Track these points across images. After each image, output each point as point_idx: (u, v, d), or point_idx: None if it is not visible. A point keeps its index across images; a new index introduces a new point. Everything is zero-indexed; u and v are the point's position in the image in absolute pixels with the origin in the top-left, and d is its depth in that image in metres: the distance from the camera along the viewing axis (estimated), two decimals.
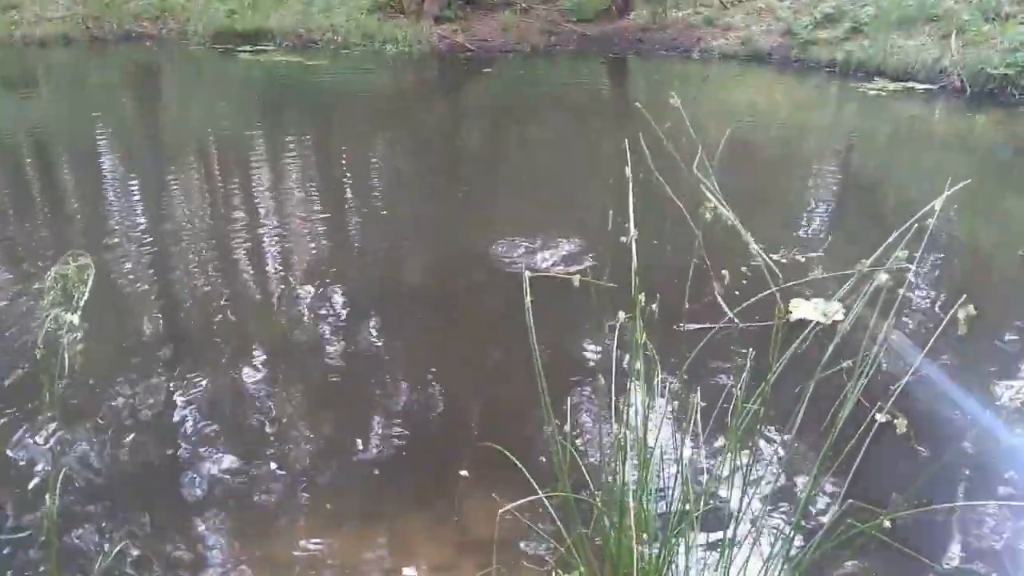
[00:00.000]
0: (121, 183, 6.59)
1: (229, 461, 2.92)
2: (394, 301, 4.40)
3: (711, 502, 2.06)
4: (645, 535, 1.93)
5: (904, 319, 3.91)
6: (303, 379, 3.53)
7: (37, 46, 13.42)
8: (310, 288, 4.44)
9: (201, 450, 2.98)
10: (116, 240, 5.04)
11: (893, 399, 1.63)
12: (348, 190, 6.58)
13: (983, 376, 3.50)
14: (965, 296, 1.52)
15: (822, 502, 2.58)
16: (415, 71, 12.81)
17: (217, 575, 2.38)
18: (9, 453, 2.90)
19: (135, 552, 2.44)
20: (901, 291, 1.70)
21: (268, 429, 3.12)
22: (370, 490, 2.81)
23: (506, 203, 6.26)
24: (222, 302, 4.24)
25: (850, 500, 1.73)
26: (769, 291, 1.71)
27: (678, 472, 1.97)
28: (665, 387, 2.07)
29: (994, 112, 9.24)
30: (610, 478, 2.02)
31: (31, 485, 2.74)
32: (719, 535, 2.18)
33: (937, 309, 4.12)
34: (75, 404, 3.20)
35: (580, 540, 1.99)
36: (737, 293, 1.82)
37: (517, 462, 2.01)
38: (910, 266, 1.65)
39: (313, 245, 5.12)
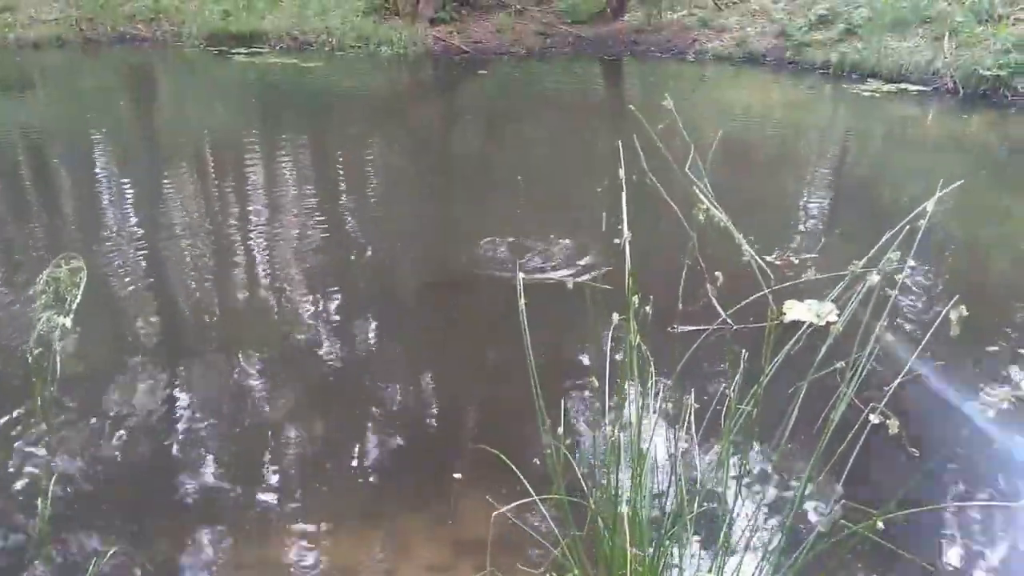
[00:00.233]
0: (114, 185, 6.58)
1: (224, 463, 2.91)
2: (389, 303, 4.40)
3: (705, 504, 2.06)
4: (639, 537, 1.93)
5: (897, 320, 3.92)
6: (298, 382, 3.53)
7: (31, 48, 13.38)
8: (305, 290, 4.44)
9: (195, 452, 2.97)
10: (109, 242, 5.02)
11: (886, 400, 1.63)
12: (343, 192, 6.58)
13: (975, 376, 3.52)
14: (957, 297, 1.52)
15: (815, 503, 2.59)
16: (410, 73, 12.81)
17: None
18: (1, 456, 2.89)
19: (128, 556, 2.43)
20: (895, 292, 1.70)
21: (263, 431, 3.11)
22: (366, 492, 2.80)
23: (502, 205, 6.25)
24: (216, 304, 4.23)
25: (843, 501, 1.74)
26: (762, 293, 1.72)
27: (672, 474, 1.97)
28: (659, 389, 2.07)
29: (987, 113, 9.28)
30: (604, 480, 2.02)
31: (23, 489, 2.73)
32: (713, 537, 2.18)
33: (930, 310, 4.13)
34: (67, 407, 3.19)
35: (574, 542, 1.99)
36: (731, 295, 1.82)
37: (512, 465, 2.01)
38: (903, 267, 1.66)
39: (308, 247, 5.11)
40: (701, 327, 2.21)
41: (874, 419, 1.63)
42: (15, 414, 3.14)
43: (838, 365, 1.71)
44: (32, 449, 2.94)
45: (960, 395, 3.35)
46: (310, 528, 2.58)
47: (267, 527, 2.59)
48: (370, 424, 3.20)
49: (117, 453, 2.96)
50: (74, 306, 1.83)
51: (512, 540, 2.44)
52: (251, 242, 5.16)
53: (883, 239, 1.69)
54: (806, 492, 1.82)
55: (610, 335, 1.95)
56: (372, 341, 3.94)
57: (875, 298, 1.64)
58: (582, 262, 4.68)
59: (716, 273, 1.79)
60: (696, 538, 2.18)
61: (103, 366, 3.55)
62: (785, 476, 2.77)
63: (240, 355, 3.70)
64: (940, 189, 1.70)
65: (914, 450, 1.61)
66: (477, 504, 2.49)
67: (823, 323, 3.20)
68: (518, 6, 14.72)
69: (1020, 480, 2.91)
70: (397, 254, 5.12)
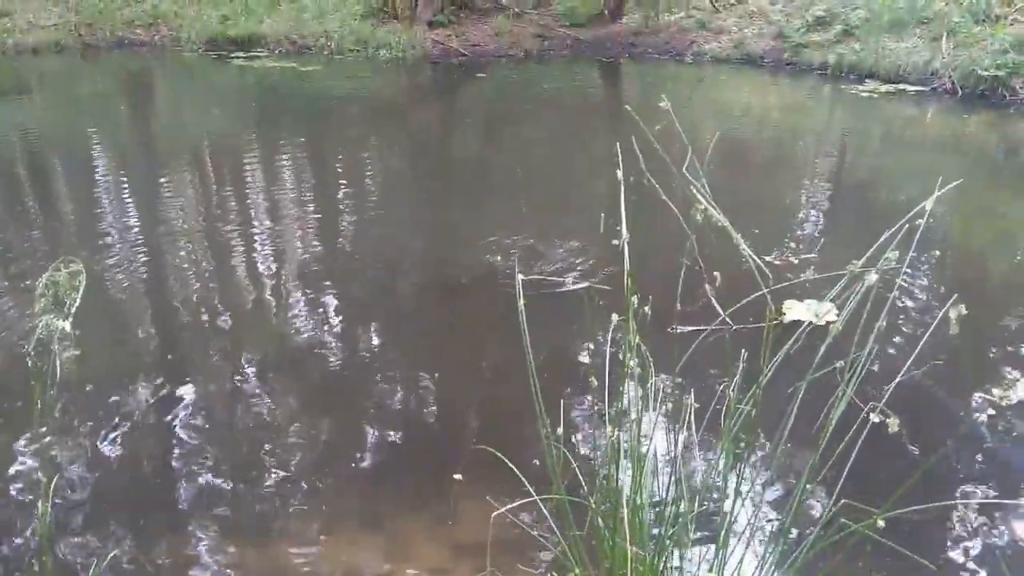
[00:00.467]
0: (113, 189, 6.58)
1: (224, 466, 2.91)
2: (389, 305, 4.40)
3: (705, 503, 2.06)
4: (640, 536, 1.93)
5: (896, 319, 3.92)
6: (298, 383, 3.53)
7: (30, 54, 13.39)
8: (305, 293, 4.44)
9: (196, 455, 2.97)
10: (108, 246, 5.02)
11: (885, 399, 1.63)
12: (343, 196, 6.58)
13: (975, 374, 3.52)
14: (956, 296, 1.52)
15: (815, 502, 2.59)
16: (409, 76, 12.82)
17: None
18: (1, 461, 2.89)
19: (129, 558, 2.43)
20: (894, 292, 1.70)
21: (263, 433, 3.12)
22: (366, 493, 2.81)
23: (501, 207, 6.26)
24: (216, 307, 4.23)
25: (843, 500, 1.74)
26: (761, 292, 1.72)
27: (672, 473, 1.97)
28: (659, 389, 2.07)
29: (985, 113, 9.29)
30: (604, 480, 2.03)
31: (24, 492, 2.73)
32: (713, 536, 2.18)
33: (928, 309, 4.13)
34: (67, 410, 3.19)
35: (575, 542, 1.99)
36: (730, 295, 1.82)
37: (511, 465, 2.01)
38: (901, 266, 1.66)
39: (307, 250, 5.12)
40: (700, 327, 2.21)
41: (874, 418, 1.63)
42: (16, 417, 3.14)
43: (837, 364, 1.71)
44: (33, 452, 2.94)
45: (960, 393, 3.35)
46: (311, 529, 2.58)
47: (268, 528, 2.59)
48: (370, 425, 3.20)
49: (117, 455, 2.97)
50: (73, 309, 1.82)
51: (512, 540, 2.44)
52: (250, 245, 5.16)
53: (882, 239, 1.69)
54: (806, 491, 1.82)
55: (609, 335, 1.95)
56: (372, 342, 3.95)
57: (873, 297, 1.64)
58: (582, 263, 4.69)
59: (715, 273, 1.79)
60: (696, 537, 2.18)
61: (103, 369, 3.55)
62: (785, 475, 2.77)
63: (240, 357, 3.70)
64: (938, 189, 1.71)
65: (914, 448, 1.61)
66: (477, 504, 2.49)
67: (822, 323, 3.21)
68: (516, 9, 14.74)
69: (1021, 478, 2.91)
70: (397, 256, 5.13)
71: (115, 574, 2.37)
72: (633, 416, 1.92)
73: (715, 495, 2.26)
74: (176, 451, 3.01)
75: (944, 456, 2.90)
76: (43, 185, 6.80)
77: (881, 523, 1.61)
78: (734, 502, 1.88)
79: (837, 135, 8.93)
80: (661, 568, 1.96)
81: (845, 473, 1.72)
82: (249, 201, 6.21)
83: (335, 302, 4.32)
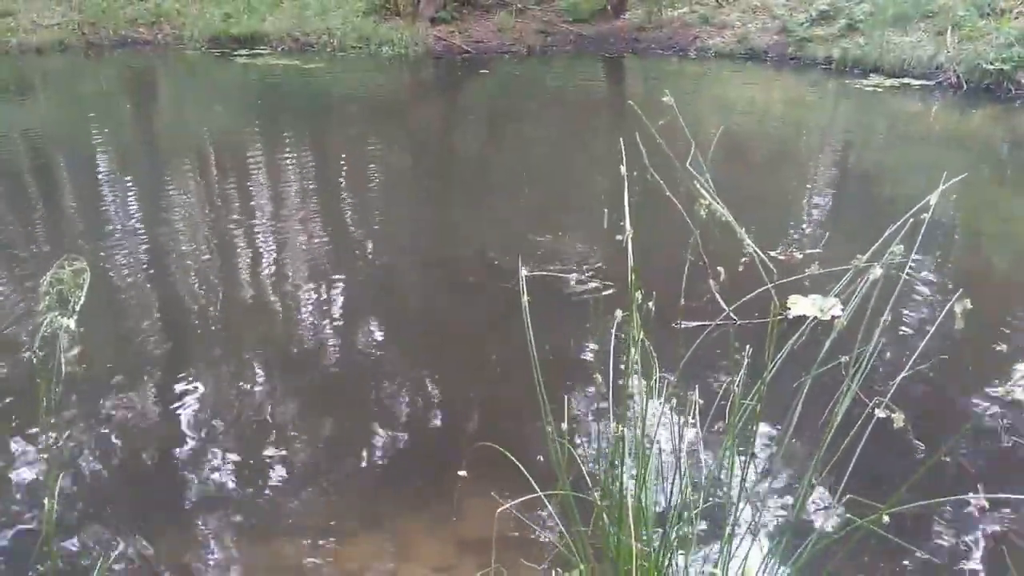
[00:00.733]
0: (117, 187, 6.59)
1: (228, 464, 2.92)
2: (392, 302, 4.40)
3: (710, 498, 2.06)
4: (644, 532, 1.93)
5: (901, 313, 3.91)
6: (302, 381, 3.53)
7: (33, 53, 13.41)
8: (307, 291, 4.44)
9: (199, 453, 2.98)
10: (112, 244, 5.03)
11: (891, 394, 1.63)
12: (345, 193, 6.58)
13: (980, 370, 3.51)
14: (962, 291, 1.52)
15: (820, 497, 2.58)
16: (412, 73, 12.81)
17: None
18: (7, 458, 2.90)
19: (133, 556, 2.44)
20: (899, 287, 1.70)
21: (267, 431, 3.12)
22: (370, 490, 2.81)
23: (504, 204, 6.26)
24: (220, 306, 4.24)
25: (848, 495, 1.73)
26: (765, 287, 1.72)
27: (676, 469, 1.97)
28: (663, 384, 2.07)
29: (990, 107, 9.26)
30: (609, 476, 2.02)
31: (29, 489, 2.74)
32: (718, 531, 2.18)
33: (933, 304, 4.12)
34: (72, 408, 3.20)
35: (579, 538, 1.99)
36: (735, 290, 1.82)
37: (516, 461, 2.01)
38: (905, 261, 1.66)
39: (310, 248, 5.12)
40: (705, 323, 2.21)
41: (880, 413, 1.63)
42: (21, 415, 3.15)
43: (842, 359, 1.71)
44: (38, 450, 2.95)
45: (965, 388, 3.34)
46: (315, 527, 2.58)
47: (272, 526, 2.60)
48: (374, 422, 3.21)
49: (122, 453, 2.97)
50: (78, 307, 1.83)
51: (517, 537, 2.44)
52: (254, 243, 5.16)
53: (886, 233, 1.69)
54: (811, 486, 1.82)
55: (614, 331, 1.95)
56: (375, 340, 3.95)
57: (878, 292, 1.64)
58: (585, 259, 4.68)
59: (719, 269, 1.79)
60: (701, 533, 2.18)
61: (107, 367, 3.55)
62: (790, 470, 2.77)
63: (243, 356, 3.71)
64: (943, 183, 1.70)
65: (919, 443, 1.60)
66: (482, 501, 2.49)
67: (827, 318, 3.20)
68: (519, 5, 14.71)
69: None
70: (400, 254, 5.13)
71: (119, 571, 2.38)
72: (638, 412, 1.91)
73: (720, 491, 2.26)
74: (180, 449, 3.01)
75: (949, 451, 2.89)
76: (47, 183, 6.81)
77: (886, 518, 1.60)
78: (739, 498, 1.88)
79: (841, 130, 8.90)
80: (666, 564, 1.96)
81: (850, 468, 1.71)
82: (252, 199, 6.21)
83: (338, 300, 4.32)
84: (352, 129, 8.97)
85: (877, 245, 1.66)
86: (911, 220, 1.67)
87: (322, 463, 2.95)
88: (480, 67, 12.68)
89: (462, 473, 2.78)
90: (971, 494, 1.52)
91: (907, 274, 4.07)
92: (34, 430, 3.04)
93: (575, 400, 3.23)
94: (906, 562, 2.36)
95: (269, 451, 2.99)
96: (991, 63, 9.61)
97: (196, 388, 3.42)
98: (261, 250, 5.07)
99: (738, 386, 1.82)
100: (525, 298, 1.86)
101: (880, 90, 10.09)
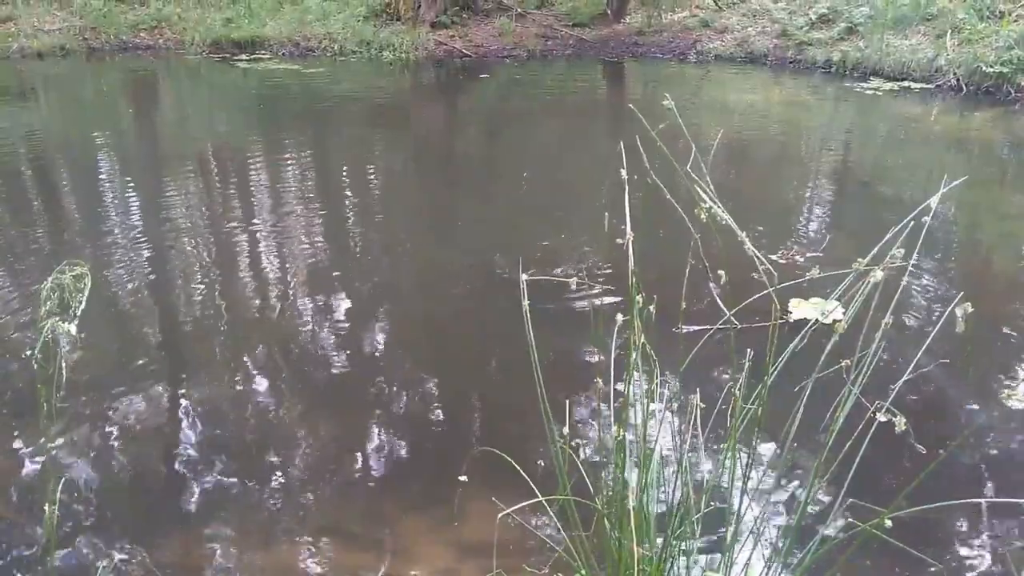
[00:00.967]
0: (118, 192, 6.60)
1: (228, 468, 2.91)
2: (393, 307, 4.40)
3: (712, 503, 2.05)
4: (646, 537, 1.93)
5: (902, 316, 3.91)
6: (303, 386, 3.53)
7: (35, 58, 13.43)
8: (309, 295, 4.45)
9: (200, 458, 2.98)
10: (113, 248, 5.03)
11: (892, 397, 1.62)
12: (346, 198, 6.59)
13: (981, 373, 3.50)
14: (962, 294, 1.52)
15: (822, 501, 2.58)
16: (412, 77, 12.83)
17: None
18: (7, 463, 2.90)
19: (134, 561, 2.44)
20: (900, 290, 1.70)
21: (267, 436, 3.12)
22: (371, 495, 2.80)
23: (505, 208, 6.26)
24: (221, 310, 4.24)
25: (850, 499, 1.73)
26: (766, 291, 1.71)
27: (678, 473, 1.97)
28: (664, 388, 2.07)
29: (990, 110, 9.26)
30: (610, 480, 2.02)
31: (29, 495, 2.74)
32: (720, 536, 2.17)
33: (935, 306, 4.11)
34: (73, 413, 3.20)
35: (580, 542, 1.98)
36: (736, 294, 1.82)
37: (516, 466, 2.01)
38: (907, 264, 1.65)
39: (311, 252, 5.12)
40: (706, 327, 2.21)
41: (881, 417, 1.62)
42: (22, 421, 3.15)
43: (843, 363, 1.70)
44: (39, 455, 2.95)
45: (967, 391, 3.33)
46: (316, 531, 2.58)
47: (273, 530, 2.59)
48: (375, 426, 3.20)
49: (123, 459, 2.97)
50: (78, 313, 1.83)
51: (518, 541, 2.44)
52: (255, 248, 5.17)
53: (887, 236, 1.68)
54: (813, 490, 1.81)
55: (614, 335, 1.95)
56: (376, 344, 3.95)
57: (879, 296, 1.64)
58: (587, 263, 4.68)
59: (720, 272, 1.78)
60: (703, 538, 2.18)
61: (108, 372, 3.56)
62: (792, 474, 2.76)
63: (245, 360, 3.71)
64: (943, 186, 1.70)
65: (921, 447, 1.60)
66: (483, 505, 2.49)
67: (828, 321, 3.20)
68: (519, 10, 14.74)
69: None
70: (401, 258, 5.13)
71: None
72: (639, 416, 1.91)
73: (722, 495, 2.25)
74: (181, 453, 3.01)
75: (951, 455, 2.88)
76: (49, 188, 6.82)
77: (888, 522, 1.60)
78: (741, 502, 1.88)
79: (841, 133, 8.91)
80: (667, 569, 1.95)
81: (852, 473, 1.71)
82: (254, 204, 6.22)
83: (339, 304, 4.32)
84: (353, 134, 8.98)
85: (878, 248, 1.66)
86: (912, 223, 1.67)
87: (323, 468, 2.95)
88: (481, 71, 12.70)
89: (463, 478, 2.77)
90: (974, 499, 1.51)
91: (908, 277, 4.08)
92: (35, 435, 3.04)
93: (576, 404, 3.23)
94: (908, 566, 2.35)
95: (270, 456, 2.99)
96: (991, 66, 9.62)
97: (197, 393, 3.41)
98: (262, 254, 5.07)
99: (739, 390, 1.82)
100: (526, 302, 1.86)
101: (880, 93, 10.09)
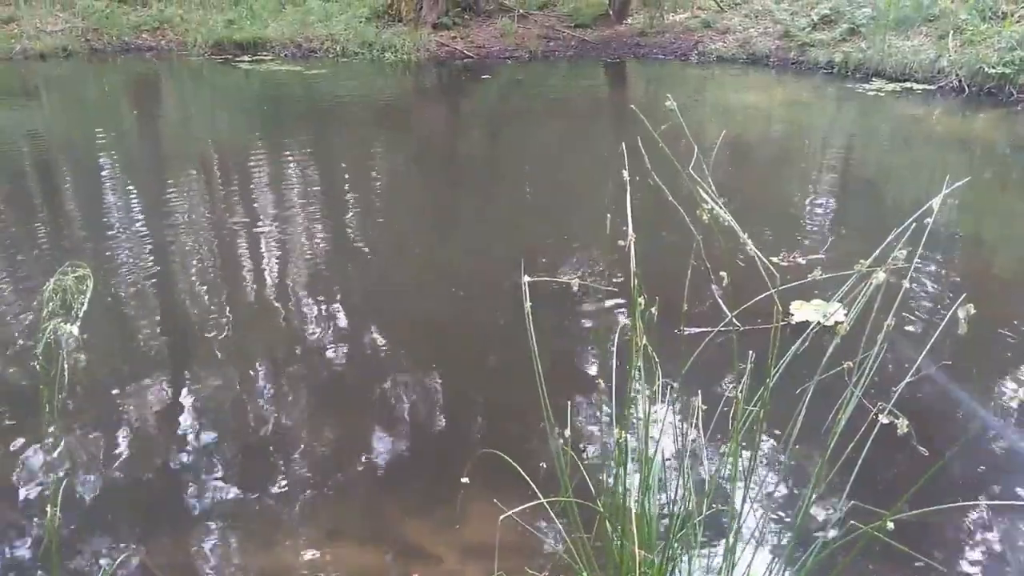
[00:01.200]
0: (121, 193, 6.60)
1: (231, 471, 2.92)
2: (395, 307, 4.40)
3: (713, 505, 2.05)
4: (647, 539, 1.93)
5: (905, 318, 3.90)
6: (305, 387, 3.53)
7: (37, 59, 13.46)
8: (311, 296, 4.45)
9: (203, 459, 2.98)
10: (115, 250, 5.04)
11: (894, 399, 1.62)
12: (348, 199, 6.59)
13: (984, 375, 3.50)
14: (965, 295, 1.51)
15: (824, 504, 2.57)
16: (414, 79, 12.84)
17: None
18: (9, 464, 2.90)
19: (137, 563, 2.44)
20: (902, 292, 1.69)
21: (270, 438, 3.12)
22: (373, 496, 2.80)
23: (507, 209, 6.26)
24: (223, 311, 4.24)
25: (852, 502, 1.73)
26: (767, 293, 1.71)
27: (680, 475, 1.96)
28: (666, 391, 2.07)
29: (992, 111, 9.25)
30: (612, 482, 2.02)
31: (32, 497, 2.74)
32: (722, 539, 2.17)
33: (938, 308, 4.11)
34: (76, 415, 3.20)
35: (582, 544, 1.98)
36: (738, 296, 1.82)
37: (518, 468, 2.01)
38: (909, 266, 1.65)
39: (314, 253, 5.13)
40: (708, 329, 2.21)
41: (883, 419, 1.62)
42: (24, 422, 3.15)
43: (845, 365, 1.70)
44: (41, 457, 2.95)
45: (970, 393, 3.33)
46: (318, 533, 2.58)
47: (275, 532, 2.59)
48: (377, 428, 3.20)
49: (125, 460, 2.97)
50: (81, 314, 1.83)
51: (520, 543, 2.43)
52: (257, 249, 5.17)
53: (889, 238, 1.68)
54: (815, 493, 1.81)
55: (616, 337, 1.95)
56: (378, 346, 3.94)
57: (881, 297, 1.63)
58: (589, 264, 4.68)
59: (722, 274, 1.78)
60: (705, 540, 2.17)
61: (111, 374, 3.56)
62: (794, 477, 2.76)
63: (247, 362, 3.71)
64: (946, 187, 1.70)
65: (923, 449, 1.60)
66: (485, 507, 2.49)
67: (830, 323, 3.19)
68: (521, 11, 14.75)
69: None
70: (403, 259, 5.13)
71: None
72: (641, 418, 1.91)
73: (723, 497, 2.25)
74: (183, 455, 3.01)
75: (954, 457, 2.88)
76: (51, 189, 6.83)
77: (890, 525, 1.59)
78: (743, 504, 1.87)
79: (843, 134, 8.90)
80: (669, 571, 1.95)
81: (854, 475, 1.71)
82: (256, 205, 6.22)
83: (341, 305, 4.32)
84: (355, 135, 8.98)
85: (880, 250, 1.65)
86: (914, 224, 1.67)
87: (325, 469, 2.95)
88: (482, 72, 12.71)
89: (465, 480, 2.77)
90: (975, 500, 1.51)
91: (910, 279, 4.07)
92: (37, 437, 3.04)
93: (578, 406, 3.23)
94: (910, 569, 2.34)
95: (273, 457, 2.99)
96: (993, 67, 9.61)
97: (200, 394, 3.42)
98: (265, 255, 5.07)
99: (741, 392, 1.82)
100: (528, 304, 1.86)
101: (882, 94, 10.09)
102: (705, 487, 2.10)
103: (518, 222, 5.81)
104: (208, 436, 3.13)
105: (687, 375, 2.04)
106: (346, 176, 7.28)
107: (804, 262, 4.60)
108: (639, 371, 1.87)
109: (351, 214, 6.14)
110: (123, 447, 3.04)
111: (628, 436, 1.93)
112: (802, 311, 3.85)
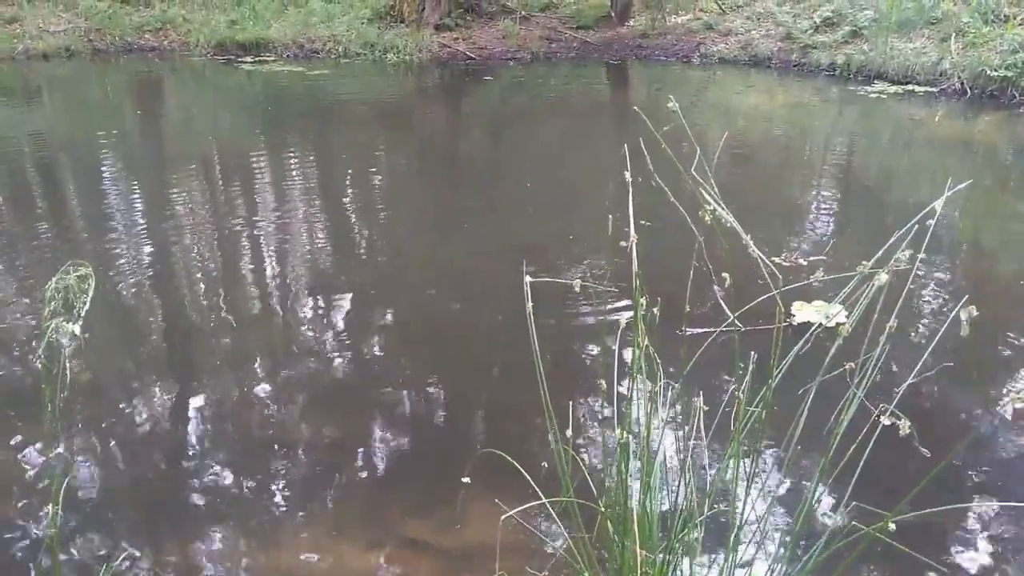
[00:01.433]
0: (123, 192, 6.61)
1: (232, 470, 2.92)
2: (396, 307, 4.40)
3: (715, 506, 2.05)
4: (649, 539, 1.93)
5: (906, 320, 3.90)
6: (306, 388, 3.53)
7: (40, 59, 13.48)
8: (312, 297, 4.45)
9: (204, 458, 2.98)
10: (118, 249, 5.04)
11: (896, 401, 1.62)
12: (350, 200, 6.59)
13: (986, 376, 3.49)
14: (967, 297, 1.51)
15: (826, 505, 2.57)
16: (416, 80, 12.85)
17: None
18: (11, 464, 2.91)
19: (137, 563, 2.44)
20: (904, 293, 1.69)
21: (271, 439, 3.12)
22: (374, 497, 2.80)
23: (509, 209, 6.26)
24: (225, 312, 4.24)
25: (854, 503, 1.72)
26: (769, 294, 1.71)
27: (681, 476, 1.96)
28: (668, 391, 2.07)
29: (995, 113, 9.24)
30: (613, 483, 2.02)
31: (33, 496, 2.74)
32: (723, 539, 2.17)
33: (940, 310, 4.11)
34: (77, 414, 3.21)
35: (583, 545, 1.98)
36: (740, 297, 1.82)
37: (520, 468, 2.01)
38: (911, 268, 1.65)
39: (315, 254, 5.13)
40: (709, 329, 2.20)
41: (885, 420, 1.62)
42: (26, 421, 3.15)
43: (847, 366, 1.70)
44: (43, 455, 2.96)
45: (971, 395, 3.33)
46: (319, 533, 2.58)
47: (276, 532, 2.60)
48: (378, 429, 3.21)
49: (127, 459, 2.97)
50: (83, 313, 1.83)
51: (521, 543, 2.44)
52: (259, 250, 5.17)
53: (891, 239, 1.68)
54: (817, 493, 1.81)
55: (618, 338, 1.95)
56: (379, 346, 3.95)
57: (883, 299, 1.63)
58: (590, 265, 4.68)
59: (724, 275, 1.78)
60: (706, 540, 2.17)
61: (112, 373, 3.56)
62: (795, 478, 2.76)
63: (248, 362, 3.71)
64: (948, 189, 1.70)
65: (925, 451, 1.60)
66: (486, 507, 2.49)
67: (832, 324, 3.19)
68: (523, 12, 14.75)
69: None
70: (405, 260, 5.13)
71: None
72: (642, 419, 1.91)
73: (725, 498, 2.25)
74: (184, 455, 3.01)
75: (956, 459, 2.87)
76: (54, 189, 6.83)
77: (892, 526, 1.59)
78: (744, 505, 1.87)
79: (845, 136, 8.90)
80: (670, 571, 1.95)
81: (855, 476, 1.70)
82: (258, 205, 6.23)
83: (342, 305, 4.33)
84: (357, 136, 8.99)
85: (882, 252, 1.65)
86: (916, 226, 1.67)
87: (326, 469, 2.95)
88: (485, 74, 12.71)
89: (466, 480, 2.77)
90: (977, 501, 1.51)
91: (912, 280, 4.07)
92: (39, 436, 3.05)
93: (580, 407, 3.23)
94: (912, 570, 2.34)
95: (274, 458, 2.99)
96: (995, 69, 9.60)
97: (201, 395, 3.42)
98: (267, 255, 5.08)
99: (743, 393, 1.82)
100: (529, 304, 1.86)
101: (884, 96, 10.08)
102: (706, 487, 2.10)
103: (520, 222, 5.81)
104: (209, 435, 3.13)
105: (689, 376, 2.04)
106: (348, 176, 7.29)
107: (806, 263, 4.60)
108: (640, 371, 1.87)
109: (353, 214, 6.14)
110: (124, 446, 3.04)
111: (629, 436, 1.93)
112: (804, 312, 3.85)
